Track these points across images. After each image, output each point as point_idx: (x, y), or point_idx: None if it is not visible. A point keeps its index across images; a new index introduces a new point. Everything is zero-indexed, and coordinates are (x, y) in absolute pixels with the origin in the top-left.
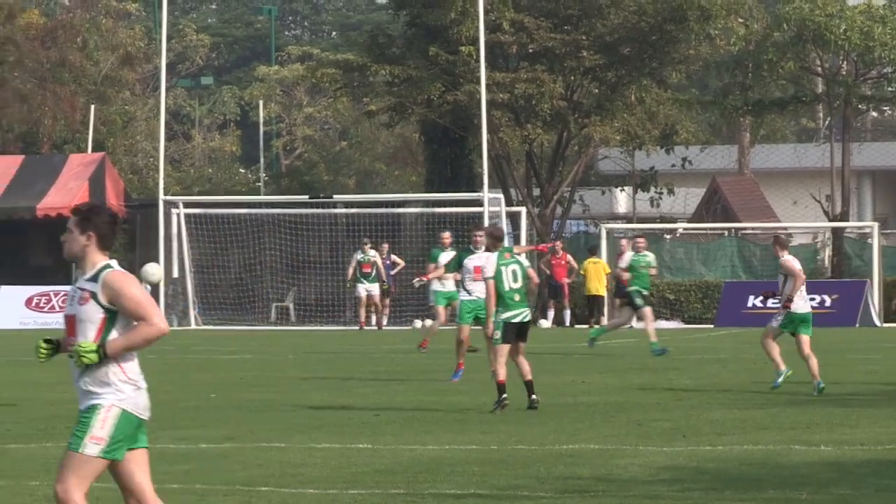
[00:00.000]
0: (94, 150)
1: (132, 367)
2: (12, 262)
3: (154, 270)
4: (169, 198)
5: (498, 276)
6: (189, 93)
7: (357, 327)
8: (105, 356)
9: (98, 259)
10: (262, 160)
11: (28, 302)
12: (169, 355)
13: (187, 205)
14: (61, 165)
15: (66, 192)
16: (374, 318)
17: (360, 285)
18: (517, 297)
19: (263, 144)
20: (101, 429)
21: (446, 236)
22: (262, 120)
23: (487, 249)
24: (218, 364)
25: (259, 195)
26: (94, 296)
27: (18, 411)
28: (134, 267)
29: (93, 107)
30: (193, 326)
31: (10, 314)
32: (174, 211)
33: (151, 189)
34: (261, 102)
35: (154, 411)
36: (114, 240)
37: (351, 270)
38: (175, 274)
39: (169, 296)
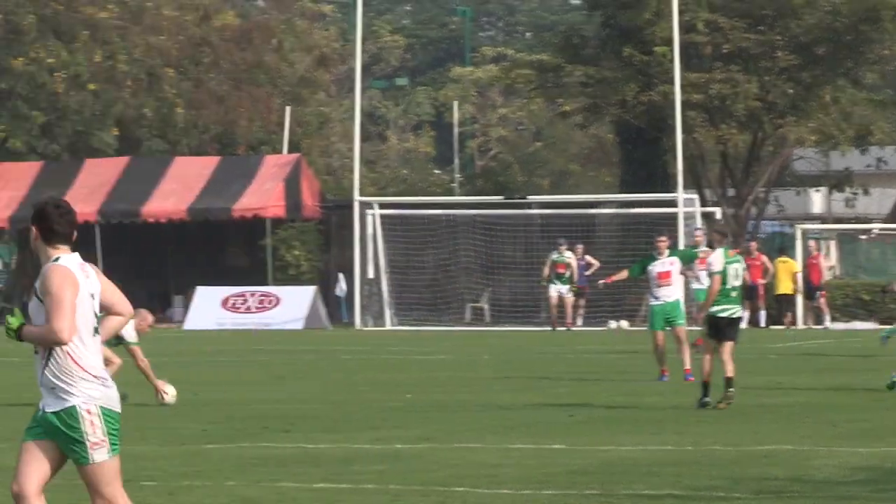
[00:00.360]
0: (289, 151)
1: (95, 364)
2: (208, 263)
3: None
4: (364, 199)
5: (724, 273)
6: (383, 94)
7: (550, 328)
8: (19, 338)
9: (51, 253)
10: (456, 161)
11: (224, 303)
12: (364, 355)
13: (382, 206)
14: (257, 166)
15: (261, 194)
16: (568, 319)
17: (552, 286)
18: (734, 294)
19: (458, 145)
20: (94, 432)
21: (663, 240)
22: (456, 121)
23: (710, 245)
24: (413, 364)
25: (454, 196)
26: (34, 289)
27: (215, 411)
28: (329, 268)
29: (288, 108)
30: (389, 327)
31: (206, 315)
32: (369, 212)
33: (346, 190)
34: (455, 103)
35: (349, 411)
36: (63, 235)
37: (546, 270)
38: (370, 275)
39: (364, 296)
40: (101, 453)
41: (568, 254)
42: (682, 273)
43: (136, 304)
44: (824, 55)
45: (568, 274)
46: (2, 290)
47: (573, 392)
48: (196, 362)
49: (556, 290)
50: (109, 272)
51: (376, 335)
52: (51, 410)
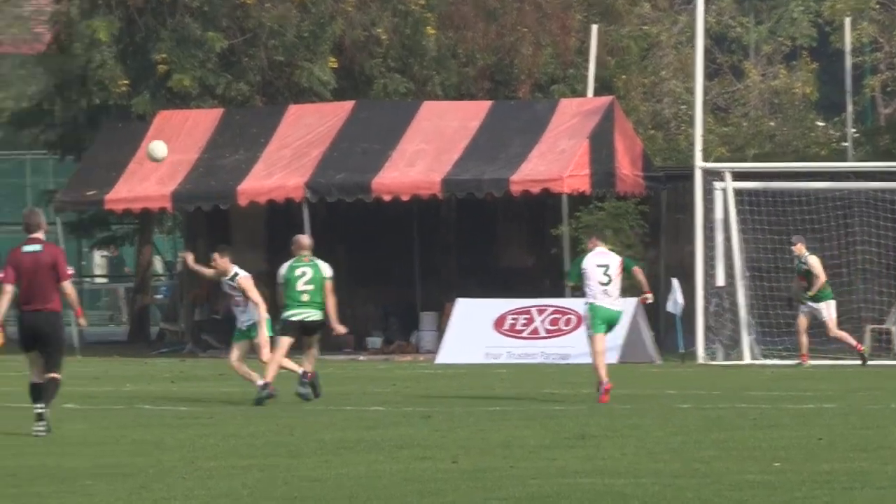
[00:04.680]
0: (596, 92)
1: None
2: (473, 263)
3: (156, 148)
4: (710, 165)
5: None
6: (741, 6)
7: None
8: None
9: None
10: (849, 108)
11: (498, 323)
12: (708, 403)
13: (738, 175)
14: (548, 116)
15: (553, 157)
16: None
17: None
18: None
19: (852, 85)
20: None
21: None
22: (848, 47)
23: None
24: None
25: (845, 161)
26: None
27: None
28: (657, 270)
29: (594, 27)
30: (747, 360)
31: (470, 342)
32: (717, 185)
33: (684, 152)
34: (847, 21)
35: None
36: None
37: None
38: (719, 281)
39: (710, 314)
40: None
41: None
42: None
43: (363, 325)
44: None
45: None
46: (165, 302)
47: None
48: (465, 421)
49: None
50: None
51: (731, 374)
52: None
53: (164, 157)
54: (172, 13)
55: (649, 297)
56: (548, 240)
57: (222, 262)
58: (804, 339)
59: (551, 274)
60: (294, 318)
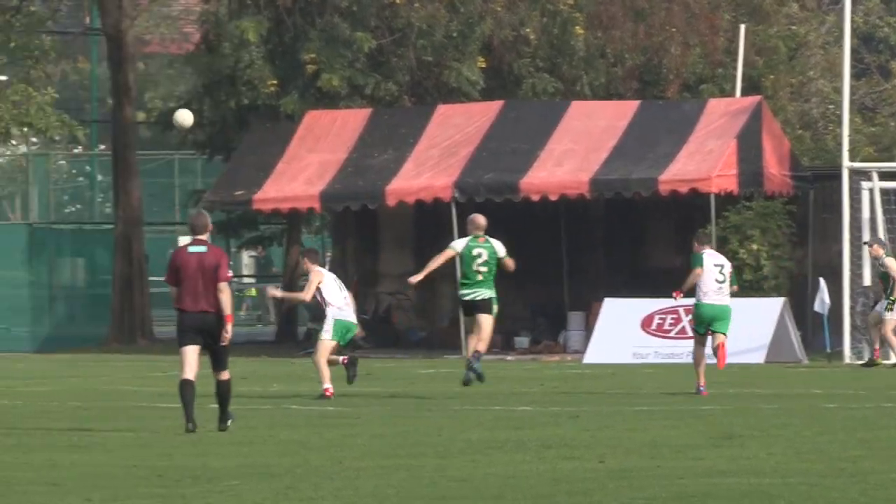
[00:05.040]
0: (744, 92)
1: None
2: (620, 262)
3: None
4: (857, 164)
5: None
6: (888, 6)
7: None
8: None
9: None
10: None
11: (645, 322)
12: (854, 403)
13: (885, 175)
14: (696, 116)
15: (702, 157)
16: None
17: None
18: None
19: None
20: None
21: None
22: None
23: None
24: None
25: None
26: None
27: None
28: (805, 270)
29: (742, 27)
30: (893, 360)
31: (618, 341)
32: (864, 185)
33: (831, 152)
34: None
35: None
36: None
37: None
38: (866, 281)
39: (857, 314)
40: None
41: None
42: None
43: (516, 323)
44: None
45: None
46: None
47: None
48: (609, 413)
49: None
50: None
51: (877, 374)
52: None
53: (189, 125)
54: (321, 13)
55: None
56: (685, 242)
57: (304, 264)
58: (875, 335)
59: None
60: (466, 298)
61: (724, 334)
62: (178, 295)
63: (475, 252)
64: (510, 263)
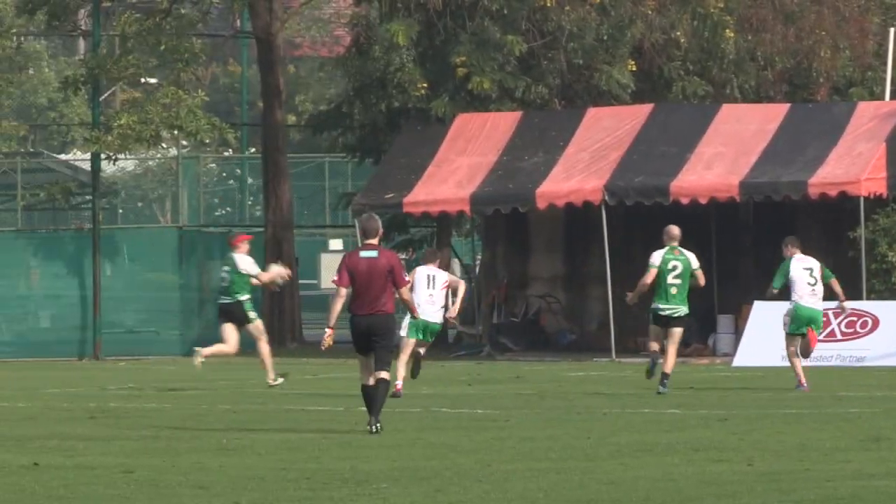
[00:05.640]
0: (894, 95)
1: None
2: (770, 266)
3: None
4: None
5: None
6: None
7: None
8: None
9: None
10: None
11: None
12: None
13: None
14: (846, 119)
15: (852, 161)
16: None
17: None
18: None
19: None
20: None
21: None
22: None
23: None
24: None
25: None
26: None
27: None
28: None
29: (892, 30)
30: None
31: (766, 344)
32: None
33: None
34: None
35: None
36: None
37: None
38: None
39: None
40: None
41: None
42: None
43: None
44: None
45: None
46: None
47: None
48: (751, 416)
49: None
50: (621, 279)
51: None
52: None
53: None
54: (472, 16)
55: (846, 305)
56: (845, 242)
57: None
58: None
59: (849, 276)
60: (662, 314)
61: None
62: (351, 300)
63: (670, 265)
64: (701, 276)
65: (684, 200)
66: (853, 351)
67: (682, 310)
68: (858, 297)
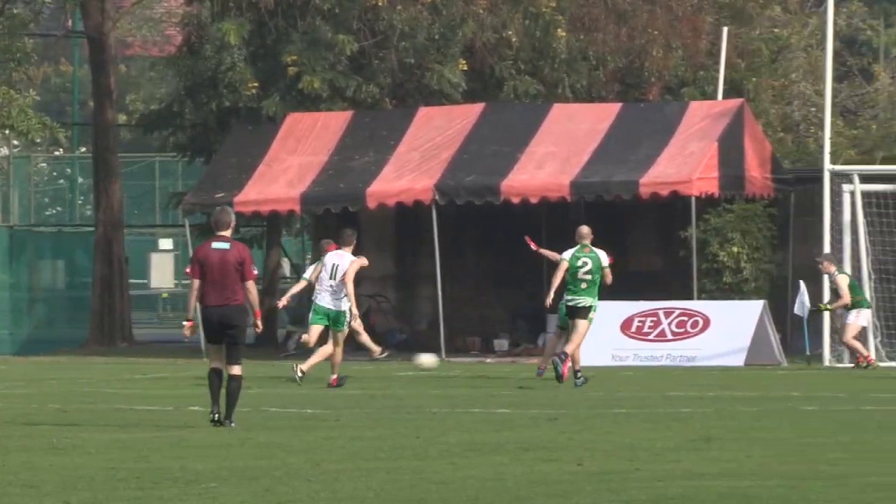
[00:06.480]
0: (726, 95)
1: None
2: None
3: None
4: (839, 167)
5: None
6: (870, 10)
7: None
8: None
9: None
10: None
11: (625, 325)
12: (834, 406)
13: (866, 178)
14: (677, 118)
15: (683, 160)
16: None
17: None
18: None
19: None
20: None
21: None
22: None
23: None
24: None
25: None
26: None
27: None
28: (785, 273)
29: (725, 30)
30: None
31: (598, 344)
32: (846, 188)
33: (813, 154)
34: None
35: None
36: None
37: None
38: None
39: (837, 316)
40: None
41: None
42: None
43: (491, 327)
44: None
45: None
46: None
47: None
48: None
49: None
50: (452, 279)
51: (857, 377)
52: None
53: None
54: (303, 15)
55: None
56: (676, 242)
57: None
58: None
59: (680, 276)
60: (569, 304)
61: None
62: (201, 290)
63: (580, 262)
64: (608, 274)
65: (515, 200)
66: (684, 351)
67: (588, 300)
68: (689, 297)
